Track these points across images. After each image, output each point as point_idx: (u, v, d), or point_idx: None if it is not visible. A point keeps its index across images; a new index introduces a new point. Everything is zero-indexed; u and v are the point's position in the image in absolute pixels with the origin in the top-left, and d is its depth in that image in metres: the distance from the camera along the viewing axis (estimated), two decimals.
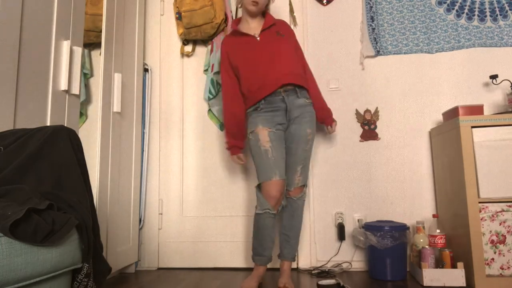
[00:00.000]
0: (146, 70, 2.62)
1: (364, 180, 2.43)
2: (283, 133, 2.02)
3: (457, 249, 2.03)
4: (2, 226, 0.79)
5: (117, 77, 2.19)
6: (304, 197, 2.04)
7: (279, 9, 2.58)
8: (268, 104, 1.97)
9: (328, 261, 2.37)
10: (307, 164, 2.03)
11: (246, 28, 2.10)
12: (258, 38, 2.02)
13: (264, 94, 1.95)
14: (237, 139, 2.13)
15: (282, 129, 2.01)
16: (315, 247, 2.40)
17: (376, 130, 2.46)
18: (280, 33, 2.05)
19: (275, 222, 1.98)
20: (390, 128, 2.45)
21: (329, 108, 2.21)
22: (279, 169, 1.91)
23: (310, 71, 2.20)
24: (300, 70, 2.05)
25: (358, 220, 2.37)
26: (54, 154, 1.07)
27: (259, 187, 1.96)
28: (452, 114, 2.11)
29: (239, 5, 2.13)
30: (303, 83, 2.01)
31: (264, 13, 2.14)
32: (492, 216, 1.89)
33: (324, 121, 2.20)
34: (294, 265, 2.38)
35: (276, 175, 1.90)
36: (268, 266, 2.31)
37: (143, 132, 2.56)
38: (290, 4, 2.57)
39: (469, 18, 2.46)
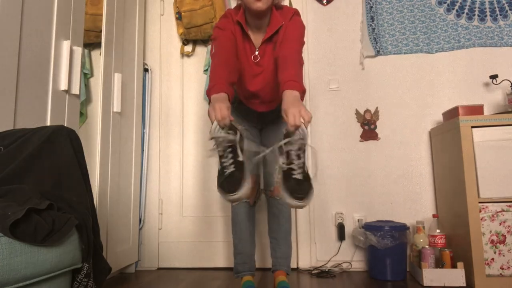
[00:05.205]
0: (146, 70, 2.62)
1: (364, 180, 2.43)
2: (257, 131, 1.94)
3: (457, 249, 2.03)
4: (2, 226, 0.79)
5: (117, 77, 2.19)
6: None
7: None
8: (243, 109, 1.89)
9: (328, 261, 2.37)
10: None
11: (250, 33, 1.74)
12: (257, 52, 1.73)
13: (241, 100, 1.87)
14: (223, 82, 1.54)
15: (256, 128, 1.93)
16: (315, 247, 2.40)
17: (376, 130, 2.46)
18: (275, 44, 1.70)
19: (255, 218, 1.90)
20: (390, 128, 2.45)
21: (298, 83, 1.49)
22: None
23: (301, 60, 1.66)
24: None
25: (358, 220, 2.37)
26: (54, 154, 1.07)
27: None
28: (452, 114, 2.11)
29: (241, 4, 1.72)
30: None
31: (270, 11, 1.69)
32: (492, 216, 1.89)
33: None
34: (294, 265, 2.38)
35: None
36: (262, 266, 2.33)
37: (143, 132, 2.56)
38: (290, 4, 2.57)
39: (469, 18, 2.46)
